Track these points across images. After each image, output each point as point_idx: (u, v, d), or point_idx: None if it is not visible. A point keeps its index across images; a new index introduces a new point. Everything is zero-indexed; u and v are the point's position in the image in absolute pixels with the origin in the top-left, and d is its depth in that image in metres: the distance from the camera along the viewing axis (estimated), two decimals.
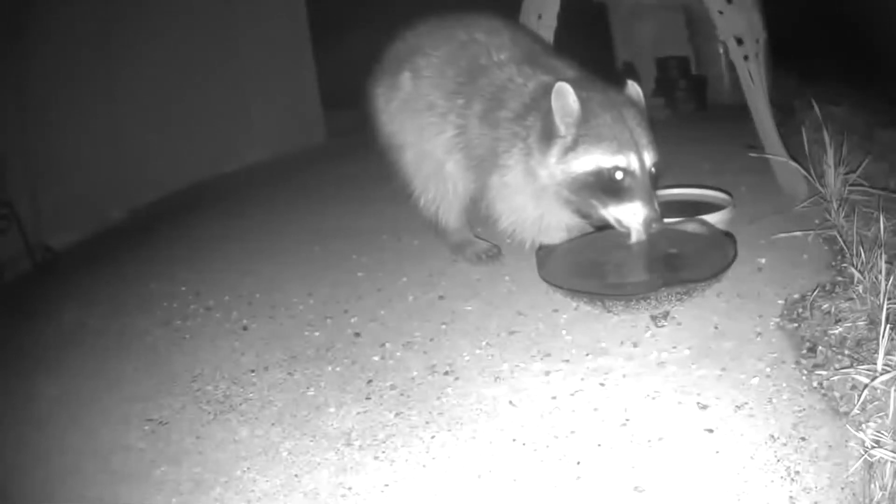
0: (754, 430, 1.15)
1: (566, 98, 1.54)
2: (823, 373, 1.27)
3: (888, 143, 2.37)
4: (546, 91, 1.57)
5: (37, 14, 2.80)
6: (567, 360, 1.45)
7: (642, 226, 1.53)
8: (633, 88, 1.67)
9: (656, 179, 1.59)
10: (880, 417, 1.11)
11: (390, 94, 1.94)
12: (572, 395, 1.33)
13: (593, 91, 1.60)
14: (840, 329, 1.38)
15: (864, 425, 1.10)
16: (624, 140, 1.54)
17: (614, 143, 1.54)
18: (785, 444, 1.11)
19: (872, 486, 1.00)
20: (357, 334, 1.71)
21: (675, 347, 1.43)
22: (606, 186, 1.55)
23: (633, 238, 1.61)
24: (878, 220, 1.63)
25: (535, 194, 1.69)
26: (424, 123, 1.87)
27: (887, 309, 1.30)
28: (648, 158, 1.55)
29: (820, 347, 1.35)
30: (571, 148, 1.57)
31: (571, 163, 1.57)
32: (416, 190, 1.98)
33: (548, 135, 1.59)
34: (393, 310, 1.80)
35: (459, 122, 1.81)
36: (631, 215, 1.54)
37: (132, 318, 2.01)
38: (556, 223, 1.76)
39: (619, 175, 1.54)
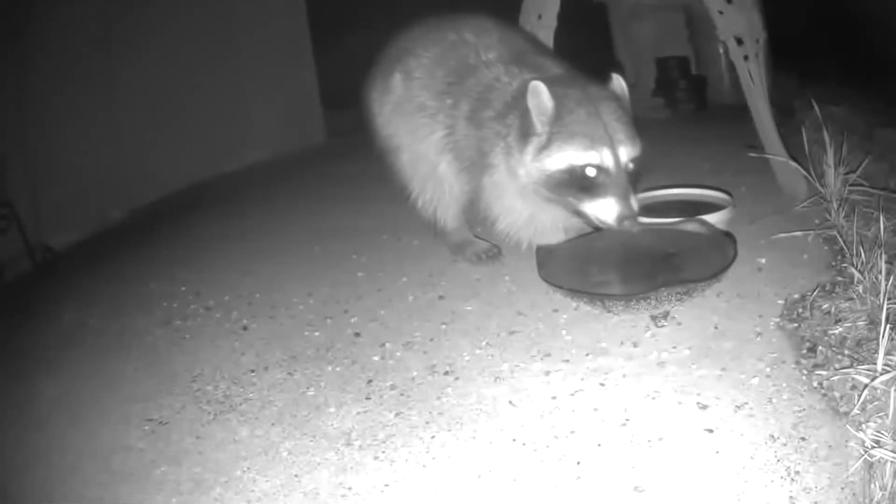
0: (754, 430, 1.15)
1: (540, 96, 1.54)
2: (823, 373, 1.26)
3: (888, 143, 2.37)
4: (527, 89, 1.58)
5: (37, 14, 2.80)
6: (567, 360, 1.45)
7: (615, 222, 1.53)
8: (618, 82, 1.65)
9: (637, 175, 1.58)
10: (880, 417, 1.11)
11: (384, 97, 1.96)
12: (572, 395, 1.33)
13: (572, 88, 1.59)
14: (840, 329, 1.38)
15: (864, 425, 1.10)
16: (597, 136, 1.53)
17: (587, 139, 1.53)
18: (785, 444, 1.11)
19: (872, 486, 1.00)
20: (357, 334, 1.71)
21: (675, 347, 1.43)
22: (580, 183, 1.55)
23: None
24: (878, 220, 1.63)
25: (521, 194, 1.69)
26: (416, 125, 1.88)
27: (887, 309, 1.30)
28: (625, 154, 1.54)
29: (820, 347, 1.35)
30: (546, 145, 1.56)
31: (545, 160, 1.57)
32: (414, 191, 1.99)
33: (525, 133, 1.59)
34: (393, 310, 1.80)
35: (448, 123, 1.81)
36: (604, 212, 1.54)
37: (132, 318, 2.01)
38: (550, 223, 1.76)
39: (591, 172, 1.53)
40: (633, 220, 1.53)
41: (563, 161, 1.55)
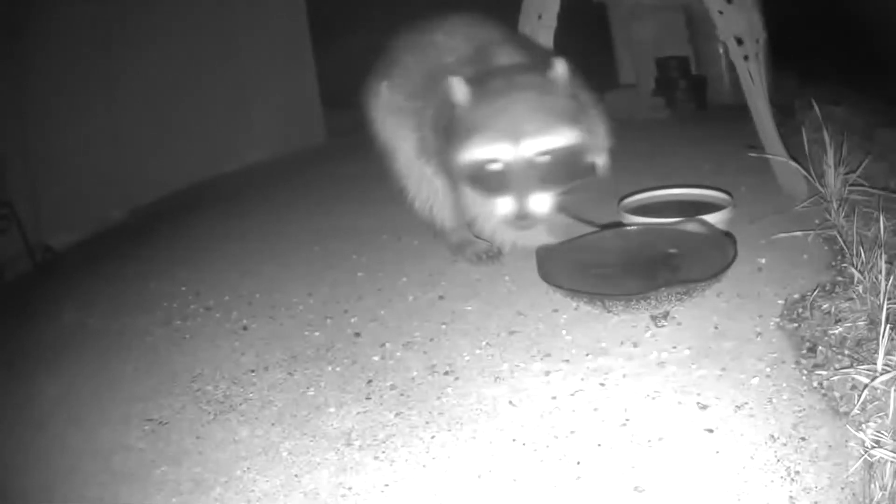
0: (754, 430, 1.15)
1: (456, 91, 1.54)
2: (823, 373, 1.26)
3: (888, 143, 2.37)
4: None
5: (37, 14, 2.80)
6: (567, 360, 1.45)
7: (508, 221, 1.50)
8: (558, 70, 1.56)
9: (554, 168, 1.52)
10: (880, 417, 1.11)
11: (376, 101, 1.98)
12: (572, 395, 1.33)
13: (496, 79, 1.57)
14: (840, 329, 1.38)
15: (864, 425, 1.10)
16: (498, 129, 1.50)
17: (487, 132, 1.51)
18: (785, 444, 1.11)
19: (872, 486, 1.00)
20: (357, 334, 1.71)
21: (675, 347, 1.43)
22: (485, 178, 1.53)
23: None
24: (878, 220, 1.63)
25: None
26: (399, 128, 1.90)
27: (887, 309, 1.30)
28: (531, 148, 1.49)
29: (820, 347, 1.35)
30: (460, 140, 1.56)
31: (459, 155, 1.56)
32: (411, 193, 2.00)
33: (447, 128, 1.60)
34: (393, 310, 1.80)
35: (418, 125, 1.83)
36: (501, 208, 1.51)
37: (132, 318, 2.01)
38: None
39: (493, 166, 1.51)
40: (526, 220, 1.49)
41: (469, 155, 1.54)
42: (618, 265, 1.66)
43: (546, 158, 1.51)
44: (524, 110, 1.52)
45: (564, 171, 1.55)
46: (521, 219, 1.49)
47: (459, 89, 1.55)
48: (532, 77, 1.57)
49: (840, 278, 1.60)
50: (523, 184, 1.50)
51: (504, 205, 1.51)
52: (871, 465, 1.03)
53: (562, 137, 1.52)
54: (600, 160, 1.95)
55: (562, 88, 1.56)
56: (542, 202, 1.52)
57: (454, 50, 1.80)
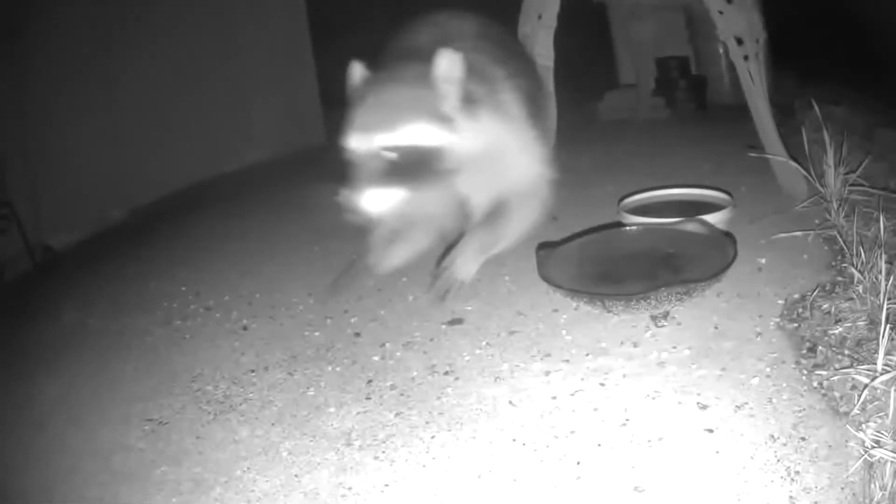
0: (754, 430, 1.15)
1: (353, 74, 1.59)
2: (823, 373, 1.27)
3: (888, 143, 2.37)
4: None
5: (37, 14, 2.80)
6: (567, 360, 1.45)
7: (344, 210, 1.49)
8: (440, 63, 1.47)
9: (404, 165, 1.47)
10: (880, 417, 1.11)
11: None
12: (572, 395, 1.33)
13: (382, 72, 1.58)
14: (840, 329, 1.38)
15: (864, 425, 1.10)
16: (357, 120, 1.51)
17: (351, 122, 1.52)
18: (785, 444, 1.11)
19: (872, 486, 1.00)
20: (357, 334, 1.71)
21: (675, 347, 1.43)
22: (347, 166, 1.53)
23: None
24: (878, 220, 1.63)
25: None
26: None
27: (887, 309, 1.30)
28: (377, 141, 1.47)
29: (820, 347, 1.35)
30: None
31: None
32: None
33: None
34: (393, 310, 1.80)
35: None
36: (339, 198, 1.50)
37: (132, 318, 2.01)
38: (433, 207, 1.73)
39: (350, 156, 1.51)
40: (355, 213, 1.47)
41: (341, 142, 1.54)
42: (618, 265, 1.66)
43: (392, 155, 1.47)
44: (382, 104, 1.50)
45: (415, 170, 1.49)
46: (351, 211, 1.47)
47: (355, 73, 1.57)
48: (414, 70, 1.51)
49: (840, 278, 1.60)
50: (363, 177, 1.48)
51: (342, 195, 1.49)
52: (871, 465, 1.03)
53: (413, 135, 1.47)
54: (532, 169, 1.73)
55: (439, 84, 1.48)
56: (378, 198, 1.48)
57: (413, 38, 1.78)
